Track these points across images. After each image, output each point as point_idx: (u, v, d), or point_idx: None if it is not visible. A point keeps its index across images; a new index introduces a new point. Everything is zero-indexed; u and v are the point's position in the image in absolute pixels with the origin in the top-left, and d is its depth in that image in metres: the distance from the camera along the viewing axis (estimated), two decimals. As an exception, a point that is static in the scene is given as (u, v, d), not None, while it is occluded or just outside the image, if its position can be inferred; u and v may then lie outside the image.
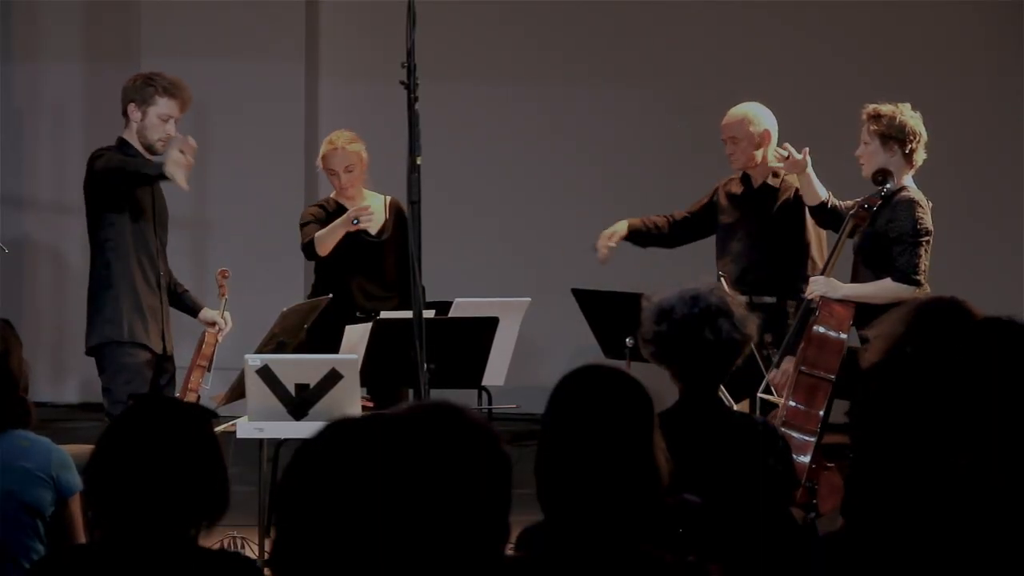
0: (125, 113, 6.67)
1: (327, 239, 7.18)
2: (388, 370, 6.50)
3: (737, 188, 7.15)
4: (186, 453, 3.19)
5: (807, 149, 6.69)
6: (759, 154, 7.00)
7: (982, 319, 3.25)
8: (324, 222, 7.30)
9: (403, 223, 7.42)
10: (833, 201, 6.69)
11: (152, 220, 6.67)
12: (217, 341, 6.91)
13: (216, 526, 3.28)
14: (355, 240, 7.30)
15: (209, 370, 6.89)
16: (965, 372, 2.83)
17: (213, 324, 6.91)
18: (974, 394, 2.78)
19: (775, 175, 7.02)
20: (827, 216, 6.69)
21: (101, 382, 6.62)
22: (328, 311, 7.01)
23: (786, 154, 6.73)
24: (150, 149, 6.63)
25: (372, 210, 7.15)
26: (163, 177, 6.38)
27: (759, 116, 7.03)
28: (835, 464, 5.98)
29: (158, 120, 6.61)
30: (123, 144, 6.65)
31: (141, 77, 6.71)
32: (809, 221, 6.95)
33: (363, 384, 6.99)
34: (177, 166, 6.31)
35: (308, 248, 7.26)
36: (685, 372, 4.27)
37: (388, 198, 7.41)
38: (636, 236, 7.36)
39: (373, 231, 7.25)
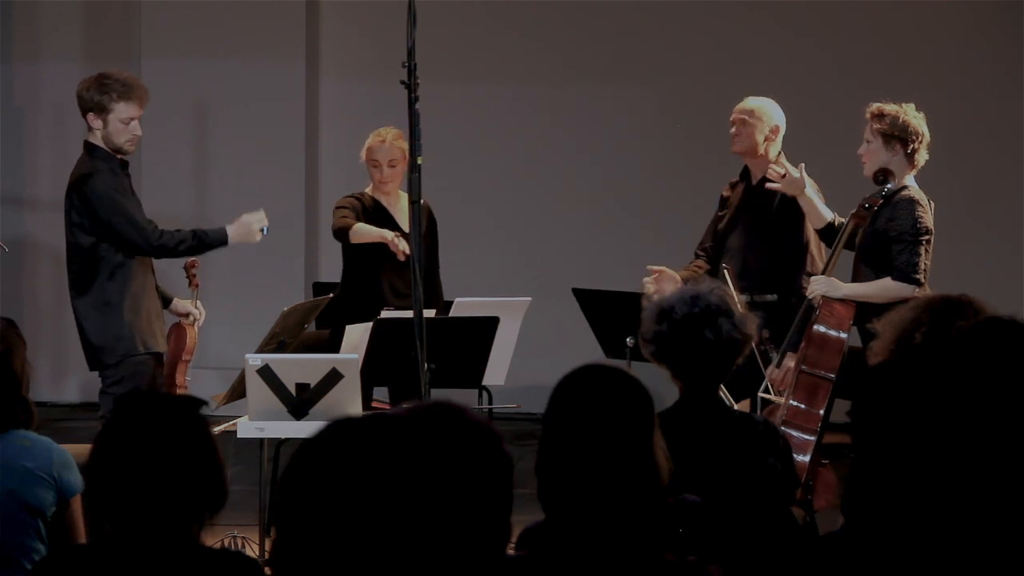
0: (85, 119, 6.67)
1: (363, 236, 7.22)
2: (388, 370, 6.50)
3: (738, 185, 7.15)
4: (179, 446, 3.19)
5: (803, 165, 6.70)
6: (763, 146, 7.00)
7: (983, 319, 3.25)
8: (357, 214, 7.33)
9: (434, 224, 7.49)
10: (839, 220, 6.69)
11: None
12: (196, 333, 6.91)
13: (217, 522, 3.28)
14: None
15: (189, 364, 6.90)
16: (967, 371, 2.83)
17: (187, 315, 6.91)
18: (976, 393, 2.79)
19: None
20: (833, 236, 6.66)
21: (103, 385, 6.61)
22: (356, 305, 7.03)
23: (782, 171, 6.76)
24: (119, 151, 6.65)
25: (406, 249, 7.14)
26: (224, 244, 6.76)
27: (775, 110, 7.04)
28: (829, 462, 5.99)
29: (120, 125, 6.61)
30: (92, 149, 6.64)
31: (93, 83, 6.67)
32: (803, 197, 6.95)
33: (379, 384, 7.00)
34: (244, 239, 6.75)
35: (342, 233, 7.29)
36: (685, 372, 4.28)
37: (422, 200, 7.42)
38: None
39: (401, 257, 7.18)
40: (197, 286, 7.01)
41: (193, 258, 7.09)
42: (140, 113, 6.65)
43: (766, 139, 7.00)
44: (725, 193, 7.25)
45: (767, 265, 6.95)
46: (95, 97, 6.61)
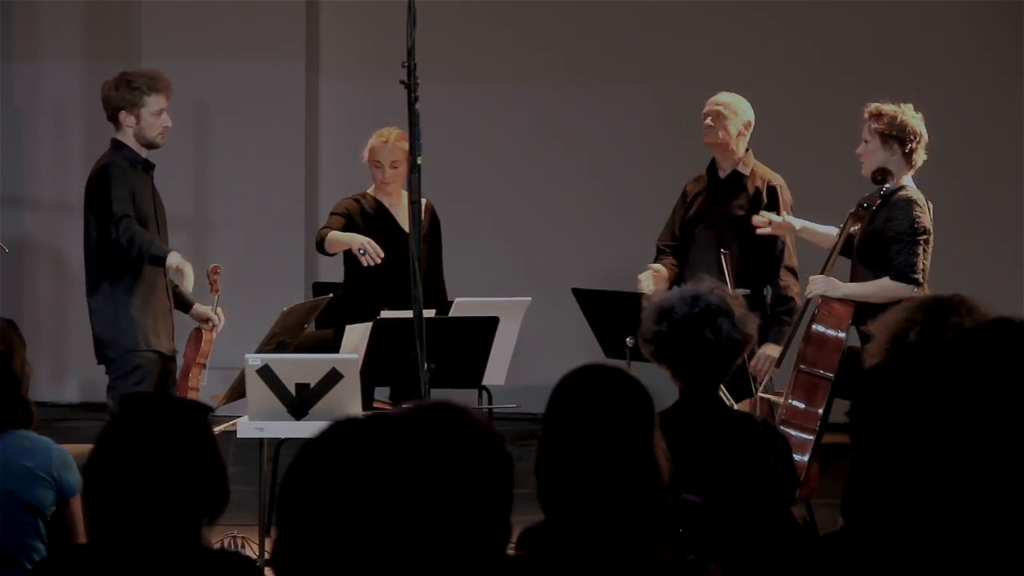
0: (114, 119, 6.73)
1: (337, 244, 7.21)
2: (388, 370, 6.50)
3: (703, 180, 7.17)
4: (182, 449, 3.19)
5: (782, 215, 6.77)
6: (735, 140, 7.02)
7: (989, 319, 3.25)
8: (354, 217, 7.32)
9: (436, 224, 7.47)
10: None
11: (155, 223, 6.72)
12: (213, 338, 6.93)
13: (217, 524, 3.28)
14: (390, 236, 7.29)
15: (205, 367, 6.92)
16: (969, 371, 2.83)
17: (207, 320, 6.93)
18: (977, 393, 2.78)
19: (744, 163, 7.05)
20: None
21: (109, 381, 6.66)
22: (357, 306, 7.03)
23: (767, 220, 6.77)
24: (151, 145, 6.75)
25: (377, 253, 7.12)
26: (161, 263, 6.56)
27: (747, 106, 7.10)
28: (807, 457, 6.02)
29: (153, 118, 6.72)
30: (118, 146, 6.73)
31: (121, 81, 6.75)
32: (783, 210, 6.95)
33: (379, 384, 6.99)
34: (179, 273, 6.58)
35: (319, 244, 7.29)
36: (685, 372, 4.28)
37: (424, 199, 7.42)
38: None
39: (364, 264, 7.16)
40: (218, 291, 7.03)
41: (215, 264, 7.14)
42: (167, 104, 6.77)
43: (739, 133, 7.03)
44: (689, 188, 7.26)
45: (739, 260, 6.92)
46: (126, 95, 6.70)
